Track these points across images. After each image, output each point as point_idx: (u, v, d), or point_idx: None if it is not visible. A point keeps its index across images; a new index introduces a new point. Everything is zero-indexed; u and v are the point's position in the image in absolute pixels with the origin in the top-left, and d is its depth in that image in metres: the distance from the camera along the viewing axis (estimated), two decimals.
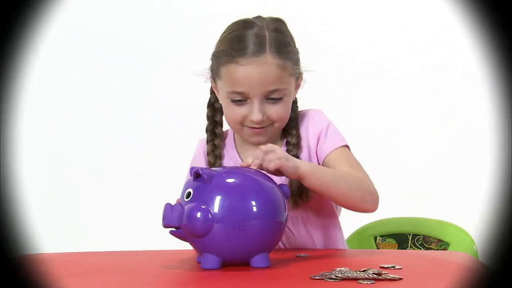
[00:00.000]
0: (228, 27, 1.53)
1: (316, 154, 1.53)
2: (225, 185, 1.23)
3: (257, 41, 1.45)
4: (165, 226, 1.22)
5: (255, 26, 1.48)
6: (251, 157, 1.33)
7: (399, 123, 2.81)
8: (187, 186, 1.26)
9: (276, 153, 1.32)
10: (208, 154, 1.57)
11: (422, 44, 2.82)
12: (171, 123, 2.88)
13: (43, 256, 1.45)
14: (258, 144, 1.48)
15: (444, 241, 1.71)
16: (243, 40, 1.46)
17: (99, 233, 2.84)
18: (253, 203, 1.21)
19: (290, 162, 1.34)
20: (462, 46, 2.80)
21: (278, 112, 1.48)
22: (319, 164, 1.52)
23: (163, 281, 1.19)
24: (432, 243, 1.72)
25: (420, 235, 1.74)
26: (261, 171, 1.31)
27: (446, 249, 1.69)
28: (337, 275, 1.11)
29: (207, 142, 1.58)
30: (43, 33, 2.93)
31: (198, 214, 1.20)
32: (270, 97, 1.46)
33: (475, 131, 2.78)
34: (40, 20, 2.93)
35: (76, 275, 1.26)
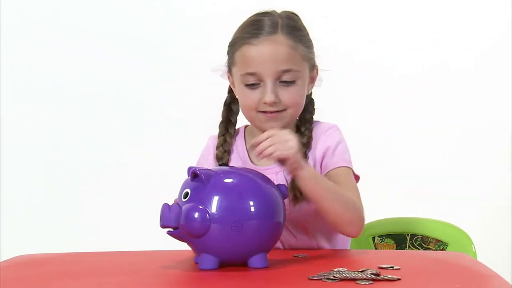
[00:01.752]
0: (244, 21, 1.55)
1: (321, 167, 1.53)
2: (223, 185, 1.23)
3: (269, 24, 1.48)
4: (163, 226, 1.22)
5: (270, 15, 1.51)
6: (266, 134, 1.33)
7: (398, 123, 2.81)
8: (184, 186, 1.25)
9: (288, 144, 1.32)
10: (217, 147, 1.57)
11: (422, 44, 2.82)
12: (171, 123, 2.88)
13: (41, 257, 1.45)
14: (272, 128, 1.46)
15: (442, 241, 1.71)
16: (256, 24, 1.49)
17: (97, 233, 2.84)
18: (251, 203, 1.21)
19: (298, 157, 1.33)
20: (463, 46, 2.80)
21: (291, 95, 1.48)
22: None
23: (161, 281, 1.19)
24: (431, 243, 1.72)
25: (418, 235, 1.74)
26: (260, 172, 1.31)
27: (445, 249, 1.69)
28: (335, 276, 1.11)
29: (218, 137, 1.58)
30: (43, 34, 2.93)
31: (196, 215, 1.19)
32: (282, 79, 1.47)
33: (473, 131, 2.78)
34: (40, 20, 2.93)
35: (74, 275, 1.25)
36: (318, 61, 1.56)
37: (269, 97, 1.46)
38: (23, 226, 2.90)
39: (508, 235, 2.71)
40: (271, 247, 1.27)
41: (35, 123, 2.93)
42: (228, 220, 1.20)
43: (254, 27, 1.48)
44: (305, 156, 1.51)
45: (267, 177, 1.29)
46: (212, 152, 1.58)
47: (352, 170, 1.53)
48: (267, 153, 1.31)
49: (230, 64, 1.53)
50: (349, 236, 1.50)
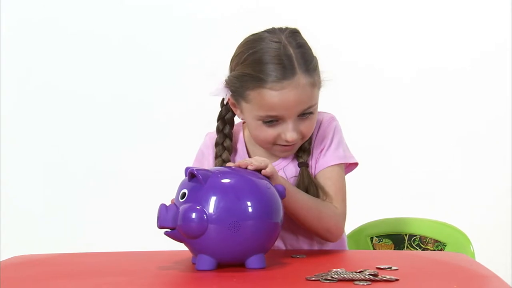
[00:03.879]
0: (245, 45, 1.47)
1: (316, 162, 1.53)
2: (221, 185, 1.22)
3: (285, 63, 1.41)
4: (160, 227, 1.22)
5: (275, 43, 1.43)
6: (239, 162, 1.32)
7: (396, 124, 2.82)
8: (182, 186, 1.25)
9: (263, 160, 1.32)
10: (216, 157, 1.54)
11: (422, 45, 2.82)
12: (168, 124, 2.88)
13: (39, 257, 1.45)
14: (286, 156, 1.51)
15: (440, 242, 1.70)
16: (269, 62, 1.41)
17: (95, 234, 2.84)
18: (249, 203, 1.21)
19: (272, 169, 1.32)
20: (462, 46, 2.81)
21: (309, 127, 1.47)
22: (313, 173, 1.52)
23: (158, 282, 1.19)
24: (429, 244, 1.72)
25: (416, 235, 1.74)
26: (257, 173, 1.30)
27: (443, 250, 1.69)
28: (333, 276, 1.11)
29: (216, 157, 1.54)
30: (43, 34, 2.93)
31: (193, 215, 1.19)
32: (301, 114, 1.44)
33: (472, 131, 2.79)
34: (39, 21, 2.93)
35: (72, 275, 1.25)
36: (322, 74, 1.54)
37: (291, 136, 1.44)
38: (23, 226, 2.90)
39: (506, 235, 2.72)
40: (268, 248, 1.26)
41: (35, 124, 2.93)
42: (226, 221, 1.19)
43: (269, 68, 1.41)
44: (307, 165, 1.51)
45: (266, 177, 1.29)
46: (211, 152, 1.57)
47: (346, 163, 1.53)
48: (243, 164, 1.30)
49: (239, 96, 1.46)
50: (328, 241, 1.51)
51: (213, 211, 1.19)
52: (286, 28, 1.49)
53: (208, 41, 2.85)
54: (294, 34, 1.48)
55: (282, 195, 1.28)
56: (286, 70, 1.40)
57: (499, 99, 2.79)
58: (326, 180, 1.50)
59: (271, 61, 1.41)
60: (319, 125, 1.55)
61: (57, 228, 2.87)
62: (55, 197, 2.91)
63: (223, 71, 1.51)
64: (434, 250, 1.70)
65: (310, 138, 1.52)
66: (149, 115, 2.90)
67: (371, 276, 1.10)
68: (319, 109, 1.56)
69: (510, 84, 2.78)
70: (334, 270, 1.15)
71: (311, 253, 1.43)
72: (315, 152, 1.53)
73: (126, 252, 1.50)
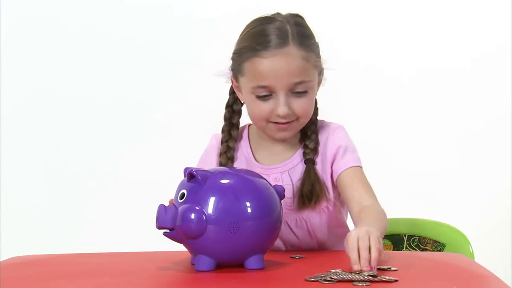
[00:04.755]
0: (247, 25, 1.51)
1: (332, 169, 1.52)
2: (219, 186, 1.22)
3: (279, 34, 1.44)
4: (159, 227, 1.22)
5: (276, 21, 1.47)
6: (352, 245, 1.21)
7: (396, 124, 2.82)
8: (181, 187, 1.25)
9: (374, 246, 1.20)
10: (220, 155, 1.55)
11: (422, 45, 2.82)
12: (168, 124, 2.88)
13: (38, 257, 1.45)
14: (283, 139, 1.50)
15: (439, 242, 1.70)
16: (265, 34, 1.45)
17: (94, 234, 2.84)
18: (248, 204, 1.21)
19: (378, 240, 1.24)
20: (462, 47, 2.81)
21: (303, 106, 1.46)
22: (332, 178, 1.52)
23: (158, 282, 1.19)
24: (428, 244, 1.72)
25: (415, 236, 1.74)
26: (257, 173, 1.30)
27: (442, 250, 1.69)
28: (332, 277, 1.11)
29: (222, 143, 1.55)
30: (43, 34, 2.93)
31: (192, 216, 1.19)
32: (295, 91, 1.44)
33: (471, 131, 2.79)
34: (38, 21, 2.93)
35: (72, 276, 1.25)
36: (322, 56, 1.54)
37: (282, 110, 1.43)
38: (23, 226, 2.90)
39: (506, 235, 2.72)
40: (267, 248, 1.26)
41: (35, 124, 2.93)
42: (224, 221, 1.19)
43: (263, 38, 1.44)
44: (313, 162, 1.50)
45: (264, 178, 1.29)
46: (216, 151, 1.57)
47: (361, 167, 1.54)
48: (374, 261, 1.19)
49: (237, 72, 1.49)
50: None
51: (212, 212, 1.19)
52: (291, 13, 1.52)
53: (208, 41, 2.85)
54: (296, 16, 1.51)
55: (281, 195, 1.28)
56: (278, 40, 1.43)
57: (499, 99, 2.79)
58: (353, 179, 1.50)
59: (265, 33, 1.45)
60: (327, 129, 1.55)
61: (57, 228, 2.87)
62: (55, 197, 2.91)
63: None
64: (433, 250, 1.70)
65: (317, 138, 1.52)
66: (149, 115, 2.90)
67: (370, 277, 1.10)
68: (324, 117, 1.57)
69: (510, 84, 2.78)
70: (333, 270, 1.15)
71: (310, 254, 1.43)
72: (329, 155, 1.52)
73: (126, 252, 1.50)
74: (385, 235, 1.77)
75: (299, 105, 1.45)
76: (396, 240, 1.76)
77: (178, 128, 2.82)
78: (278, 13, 1.51)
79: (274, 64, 1.42)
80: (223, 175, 1.25)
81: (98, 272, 1.28)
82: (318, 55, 1.49)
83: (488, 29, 2.80)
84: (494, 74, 2.80)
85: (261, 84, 1.44)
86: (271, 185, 1.27)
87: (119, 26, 2.92)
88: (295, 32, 1.45)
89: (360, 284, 1.07)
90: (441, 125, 2.80)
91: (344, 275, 1.11)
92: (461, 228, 1.70)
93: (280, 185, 1.29)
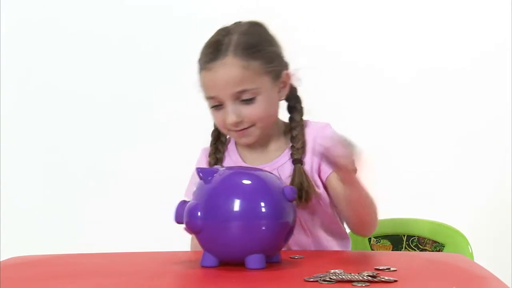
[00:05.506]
0: None
1: (320, 168, 1.54)
2: (220, 184, 1.23)
3: (220, 46, 1.50)
4: (176, 222, 1.26)
5: (224, 33, 1.53)
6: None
7: (396, 124, 2.81)
8: (196, 185, 1.28)
9: (351, 157, 1.35)
10: (209, 155, 1.59)
11: (422, 45, 2.82)
12: (169, 125, 2.87)
13: (38, 258, 1.45)
14: (246, 144, 1.55)
15: (439, 243, 1.70)
16: (208, 47, 1.53)
17: (94, 234, 2.84)
18: (246, 203, 1.21)
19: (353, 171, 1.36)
20: (462, 47, 2.81)
21: (254, 112, 1.50)
22: (322, 180, 1.55)
23: (158, 282, 1.19)
24: (427, 245, 1.72)
25: (414, 236, 1.74)
26: (266, 172, 1.29)
27: (441, 251, 1.69)
28: (332, 278, 1.11)
29: (211, 145, 1.61)
30: (43, 34, 2.93)
31: (191, 212, 1.22)
32: (242, 99, 1.49)
33: (471, 131, 2.78)
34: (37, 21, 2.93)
35: (72, 276, 1.25)
36: (294, 62, 1.57)
37: (230, 119, 1.49)
38: (23, 226, 2.90)
39: (505, 236, 2.72)
40: (271, 249, 1.25)
41: (35, 124, 2.93)
42: (219, 219, 1.20)
43: (209, 50, 1.51)
44: (301, 161, 1.52)
45: (274, 179, 1.27)
46: (204, 164, 1.60)
47: None
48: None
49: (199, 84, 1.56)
50: (364, 237, 1.54)
51: (210, 209, 1.21)
52: (250, 21, 1.57)
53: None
54: (250, 24, 1.56)
55: (289, 196, 1.26)
56: (217, 52, 1.50)
57: (499, 99, 2.79)
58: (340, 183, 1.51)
59: (208, 46, 1.53)
60: (315, 129, 1.57)
61: (57, 228, 2.87)
62: (55, 197, 2.91)
63: None
64: (433, 251, 1.70)
65: (303, 138, 1.55)
66: (149, 115, 2.90)
67: (369, 277, 1.10)
68: (312, 117, 1.58)
69: (510, 84, 2.78)
70: (332, 271, 1.15)
71: (309, 254, 1.43)
72: (318, 154, 1.52)
73: (126, 252, 1.50)
74: (384, 235, 1.78)
75: (249, 111, 1.49)
76: (395, 240, 1.76)
77: (178, 128, 2.82)
78: (236, 23, 1.56)
79: (214, 76, 1.49)
80: (226, 174, 1.25)
81: (98, 272, 1.28)
82: (269, 61, 1.52)
83: (488, 29, 2.79)
84: (494, 74, 2.80)
85: (208, 96, 1.51)
86: (278, 186, 1.25)
87: (119, 26, 2.92)
88: (238, 43, 1.50)
89: (359, 285, 1.07)
90: (441, 125, 2.80)
91: (343, 275, 1.11)
92: (460, 228, 1.71)
93: (290, 186, 1.27)
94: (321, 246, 1.57)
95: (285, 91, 1.57)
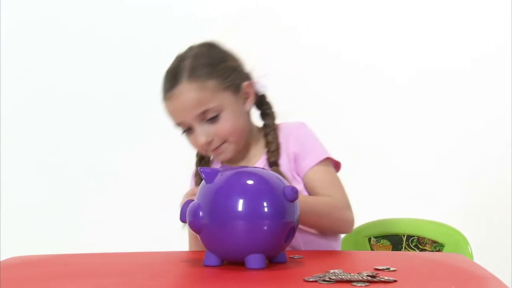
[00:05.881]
0: None
1: (298, 167, 1.58)
2: (221, 184, 1.23)
3: (173, 75, 1.56)
4: (181, 221, 1.27)
5: (177, 60, 1.59)
6: None
7: (396, 124, 2.82)
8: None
9: None
10: (195, 175, 1.65)
11: (421, 45, 2.82)
12: (169, 125, 2.87)
13: (37, 258, 1.45)
14: (226, 160, 1.59)
15: (438, 242, 1.71)
16: (165, 77, 1.58)
17: (94, 234, 2.84)
18: (245, 203, 1.20)
19: None
20: (461, 47, 2.81)
21: (221, 128, 1.54)
22: (301, 177, 1.58)
23: (157, 282, 1.19)
24: (427, 244, 1.72)
25: (414, 236, 1.74)
26: (269, 172, 1.29)
27: (441, 251, 1.69)
28: (331, 278, 1.10)
29: (196, 165, 1.66)
30: (43, 34, 2.93)
31: (191, 212, 1.23)
32: (206, 119, 1.53)
33: (470, 131, 2.79)
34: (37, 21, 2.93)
35: (72, 276, 1.25)
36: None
37: (200, 141, 1.54)
38: (23, 227, 2.90)
39: (505, 236, 2.72)
40: (270, 248, 1.24)
41: (35, 124, 2.93)
42: (216, 219, 1.21)
43: (166, 80, 1.57)
44: (277, 164, 1.54)
45: (275, 178, 1.25)
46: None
47: (331, 158, 1.59)
48: None
49: None
50: (345, 233, 1.58)
51: (209, 209, 1.21)
52: (201, 43, 1.64)
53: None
54: (201, 46, 1.62)
55: (289, 197, 1.23)
56: (173, 80, 1.55)
57: (499, 99, 2.79)
58: (314, 182, 1.56)
59: (165, 76, 1.59)
60: (288, 130, 1.61)
61: (57, 228, 2.87)
62: (55, 197, 2.91)
63: None
64: (432, 251, 1.70)
65: (277, 141, 1.59)
66: (149, 115, 2.89)
67: (369, 277, 1.10)
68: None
69: (510, 84, 2.78)
70: (332, 271, 1.15)
71: (309, 254, 1.43)
72: (290, 156, 1.58)
73: (126, 252, 1.50)
74: (384, 235, 1.78)
75: (217, 129, 1.54)
76: (395, 240, 1.76)
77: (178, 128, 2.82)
78: (188, 48, 1.63)
79: (174, 104, 1.54)
80: (227, 174, 1.25)
81: (98, 272, 1.29)
82: (225, 77, 1.56)
83: (488, 29, 2.80)
84: (494, 74, 2.80)
85: (176, 122, 1.57)
86: (278, 186, 1.23)
87: (119, 26, 2.92)
88: (190, 67, 1.55)
89: (359, 285, 1.07)
90: (441, 125, 2.80)
91: (343, 275, 1.11)
92: (460, 228, 1.71)
93: (291, 186, 1.24)
94: (310, 242, 1.57)
95: (251, 101, 1.61)
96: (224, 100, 1.54)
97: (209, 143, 1.54)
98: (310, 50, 2.81)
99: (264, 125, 1.63)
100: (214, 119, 1.53)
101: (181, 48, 2.88)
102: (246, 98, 1.59)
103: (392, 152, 2.78)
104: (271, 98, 1.68)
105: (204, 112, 1.53)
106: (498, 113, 2.78)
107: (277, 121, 1.65)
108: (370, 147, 2.71)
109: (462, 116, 2.79)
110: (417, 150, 2.80)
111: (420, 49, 2.82)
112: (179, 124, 1.57)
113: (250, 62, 2.74)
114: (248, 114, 1.62)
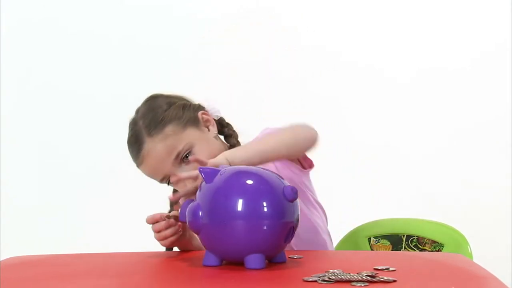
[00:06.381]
0: None
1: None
2: (221, 184, 1.23)
3: (135, 140, 1.60)
4: (181, 221, 1.29)
5: (132, 125, 1.63)
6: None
7: (396, 124, 2.82)
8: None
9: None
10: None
11: (421, 45, 2.82)
12: None
13: (35, 258, 1.45)
14: None
15: (438, 242, 1.70)
16: (130, 144, 1.62)
17: (94, 234, 2.84)
18: (244, 203, 1.20)
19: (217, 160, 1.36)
20: (461, 47, 2.81)
21: (199, 155, 1.53)
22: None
23: (157, 282, 1.19)
24: (426, 244, 1.72)
25: (414, 236, 1.74)
26: (269, 171, 1.29)
27: (440, 250, 1.69)
28: (331, 277, 1.10)
29: (173, 191, 1.67)
30: (43, 34, 2.93)
31: (190, 212, 1.23)
32: (182, 159, 1.57)
33: (470, 131, 2.79)
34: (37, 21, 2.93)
35: (71, 276, 1.25)
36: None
37: (188, 181, 1.50)
38: (23, 227, 2.90)
39: (504, 236, 2.72)
40: (270, 248, 1.24)
41: (35, 124, 2.93)
42: (215, 219, 1.21)
43: (131, 148, 1.62)
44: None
45: (275, 178, 1.26)
46: None
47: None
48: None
49: None
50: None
51: (208, 209, 1.21)
52: (144, 100, 1.69)
53: (208, 41, 2.85)
54: (144, 103, 1.68)
55: (289, 197, 1.23)
56: (136, 146, 1.60)
57: (499, 99, 2.79)
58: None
59: (128, 145, 1.63)
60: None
61: (57, 228, 2.87)
62: (55, 197, 2.91)
63: None
64: (432, 250, 1.70)
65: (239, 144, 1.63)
66: None
67: (368, 277, 1.10)
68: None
69: (510, 84, 2.78)
70: (331, 271, 1.15)
71: (308, 254, 1.43)
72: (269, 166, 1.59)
73: (126, 252, 1.50)
74: (384, 235, 1.77)
75: (194, 159, 1.51)
76: (394, 240, 1.76)
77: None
78: (136, 111, 1.67)
79: (148, 165, 1.59)
80: (226, 174, 1.25)
81: (98, 272, 1.29)
82: (178, 117, 1.60)
83: (488, 29, 2.80)
84: (494, 74, 2.80)
85: (158, 180, 1.61)
86: (278, 186, 1.23)
87: (119, 26, 2.92)
88: (145, 126, 1.60)
89: (358, 285, 1.07)
90: (441, 125, 2.80)
91: (342, 275, 1.11)
92: (460, 228, 1.71)
93: (290, 186, 1.24)
94: (301, 241, 1.57)
95: (213, 126, 1.64)
96: (190, 136, 1.58)
97: (193, 177, 1.52)
98: (310, 50, 2.81)
99: (230, 146, 1.66)
100: (187, 156, 1.56)
101: (181, 48, 2.91)
102: (208, 125, 1.64)
103: (392, 152, 2.78)
104: (229, 119, 1.71)
105: (178, 156, 1.56)
106: (498, 113, 2.78)
107: (240, 139, 1.67)
108: (370, 147, 2.71)
109: (462, 116, 2.79)
110: (417, 150, 2.80)
111: (420, 49, 2.82)
112: (162, 179, 1.60)
113: (250, 62, 2.75)
114: (217, 137, 1.65)
